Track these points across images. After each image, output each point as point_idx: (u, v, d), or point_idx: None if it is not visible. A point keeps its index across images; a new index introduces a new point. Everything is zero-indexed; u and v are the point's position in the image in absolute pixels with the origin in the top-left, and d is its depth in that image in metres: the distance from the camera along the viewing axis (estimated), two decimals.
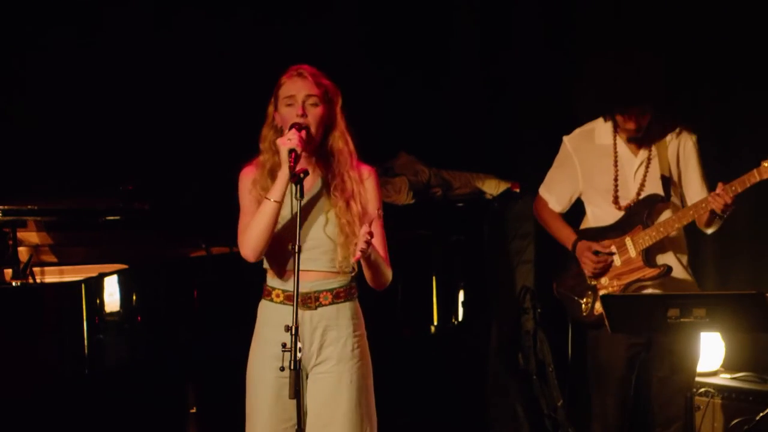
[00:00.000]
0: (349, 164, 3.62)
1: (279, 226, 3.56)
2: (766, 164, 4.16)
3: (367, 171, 3.67)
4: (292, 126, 3.52)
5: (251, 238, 3.55)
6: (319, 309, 3.59)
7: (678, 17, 5.47)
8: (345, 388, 3.60)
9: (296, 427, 3.47)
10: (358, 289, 3.69)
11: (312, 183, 3.62)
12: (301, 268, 3.45)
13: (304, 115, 3.55)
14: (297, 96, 3.55)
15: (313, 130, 3.56)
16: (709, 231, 4.47)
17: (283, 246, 3.54)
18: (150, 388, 4.86)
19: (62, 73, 5.53)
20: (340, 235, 3.57)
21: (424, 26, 6.25)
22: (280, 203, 3.52)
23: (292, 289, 3.44)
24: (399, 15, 6.21)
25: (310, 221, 3.59)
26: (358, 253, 3.43)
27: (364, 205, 3.61)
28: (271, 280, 3.65)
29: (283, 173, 3.48)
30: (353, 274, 3.66)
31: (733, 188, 4.22)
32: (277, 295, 3.62)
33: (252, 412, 3.65)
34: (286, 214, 3.56)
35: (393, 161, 5.89)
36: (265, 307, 3.67)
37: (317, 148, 3.61)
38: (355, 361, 3.62)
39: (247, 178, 3.65)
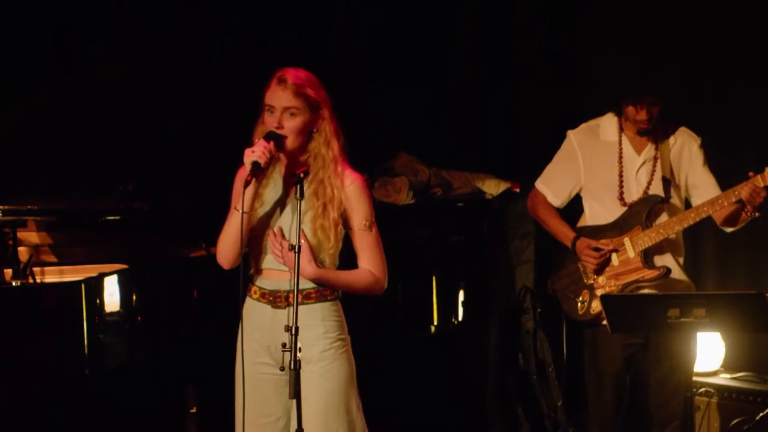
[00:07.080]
0: (332, 170, 3.56)
1: (255, 224, 3.58)
2: None
3: (351, 178, 3.59)
4: (266, 135, 3.51)
5: (222, 247, 3.61)
6: (288, 309, 3.55)
7: (678, 15, 5.47)
8: (311, 390, 3.52)
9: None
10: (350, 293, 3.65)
11: (293, 185, 3.59)
12: (272, 267, 3.58)
13: (280, 126, 3.53)
14: (276, 106, 3.52)
15: (289, 140, 3.54)
16: (730, 229, 4.47)
17: (258, 244, 3.59)
18: (150, 388, 4.86)
19: (62, 72, 5.53)
20: (313, 238, 3.55)
21: (424, 26, 6.25)
22: (248, 213, 3.52)
23: (267, 287, 3.59)
24: (399, 15, 6.21)
25: (286, 222, 3.59)
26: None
27: (348, 213, 3.58)
28: (252, 277, 3.66)
29: (249, 185, 3.49)
30: None
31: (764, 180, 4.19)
32: (255, 292, 3.63)
33: (236, 407, 3.63)
34: (263, 214, 3.58)
35: (393, 161, 5.88)
36: (246, 304, 3.67)
37: (300, 151, 3.58)
38: (325, 363, 3.55)
39: (240, 179, 3.63)
